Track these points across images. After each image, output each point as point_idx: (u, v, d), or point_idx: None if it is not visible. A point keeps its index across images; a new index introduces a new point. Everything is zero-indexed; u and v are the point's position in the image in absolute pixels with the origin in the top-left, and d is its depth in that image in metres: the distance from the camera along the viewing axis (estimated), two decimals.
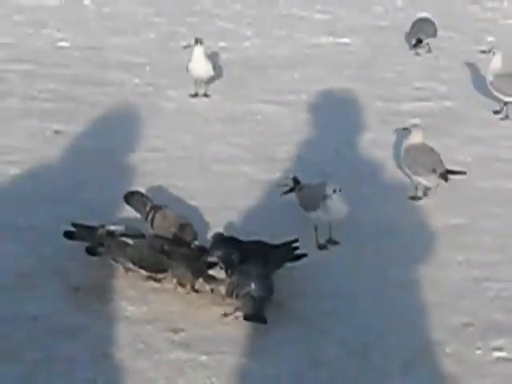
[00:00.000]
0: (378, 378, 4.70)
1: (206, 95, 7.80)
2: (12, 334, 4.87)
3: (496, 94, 7.59)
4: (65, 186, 6.17)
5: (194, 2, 9.87)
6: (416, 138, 6.61)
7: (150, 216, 5.60)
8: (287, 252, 5.56)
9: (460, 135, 7.36)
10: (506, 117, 7.75)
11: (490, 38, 9.45)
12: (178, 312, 5.14)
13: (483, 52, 8.30)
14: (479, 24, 9.93)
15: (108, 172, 6.27)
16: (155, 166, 6.52)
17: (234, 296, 5.14)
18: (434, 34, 9.07)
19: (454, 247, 5.87)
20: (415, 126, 6.85)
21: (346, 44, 9.02)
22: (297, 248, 5.59)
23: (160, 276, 5.36)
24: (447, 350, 4.87)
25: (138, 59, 8.42)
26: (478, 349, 4.91)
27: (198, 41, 7.66)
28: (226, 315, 5.16)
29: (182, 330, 4.98)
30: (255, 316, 5.05)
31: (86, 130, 7.07)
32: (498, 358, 4.84)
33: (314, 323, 5.12)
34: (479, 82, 8.26)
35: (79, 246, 5.42)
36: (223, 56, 8.45)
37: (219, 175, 6.44)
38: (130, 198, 5.74)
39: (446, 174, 6.38)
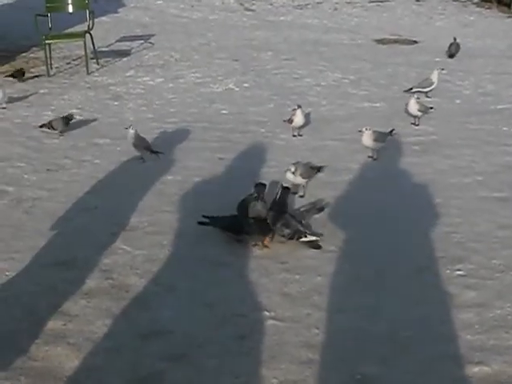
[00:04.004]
0: None
1: (300, 135, 7.97)
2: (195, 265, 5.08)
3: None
4: (224, 187, 6.35)
5: (296, 87, 9.98)
6: (365, 137, 6.90)
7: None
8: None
9: (440, 154, 7.43)
10: None
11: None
12: (285, 252, 5.23)
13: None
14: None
15: (248, 180, 6.20)
16: (271, 175, 6.59)
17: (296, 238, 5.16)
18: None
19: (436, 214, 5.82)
20: (367, 129, 6.96)
21: (377, 107, 9.12)
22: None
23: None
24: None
25: (263, 119, 8.60)
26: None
27: (299, 106, 7.78)
28: (255, 245, 5.19)
29: (287, 262, 5.10)
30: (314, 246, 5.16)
31: (237, 157, 7.26)
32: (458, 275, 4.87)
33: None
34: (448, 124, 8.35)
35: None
36: (311, 115, 8.52)
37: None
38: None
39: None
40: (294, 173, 6.08)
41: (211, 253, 5.27)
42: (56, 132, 7.92)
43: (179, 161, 7.20)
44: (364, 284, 4.85)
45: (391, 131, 7.34)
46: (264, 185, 5.71)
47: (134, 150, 7.27)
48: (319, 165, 6.56)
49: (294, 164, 6.14)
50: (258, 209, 5.34)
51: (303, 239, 5.26)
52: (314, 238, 5.29)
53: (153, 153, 7.22)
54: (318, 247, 5.27)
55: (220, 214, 5.54)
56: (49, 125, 7.92)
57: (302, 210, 5.64)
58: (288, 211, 5.51)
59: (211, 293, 4.76)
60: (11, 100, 9.25)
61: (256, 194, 5.46)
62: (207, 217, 5.44)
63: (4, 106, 8.98)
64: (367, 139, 7.07)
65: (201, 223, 5.42)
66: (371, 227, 5.69)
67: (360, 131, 7.11)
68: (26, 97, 9.60)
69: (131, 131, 7.08)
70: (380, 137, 7.15)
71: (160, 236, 5.53)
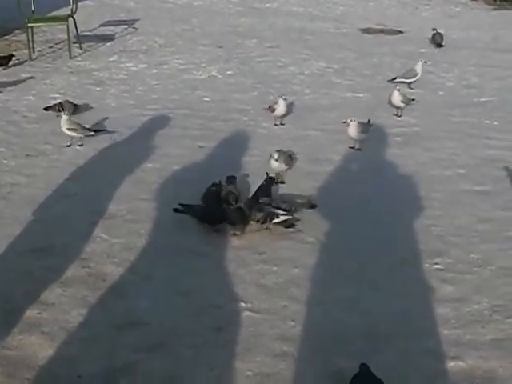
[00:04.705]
0: None
1: (282, 124, 7.92)
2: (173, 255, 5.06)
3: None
4: (204, 175, 6.20)
5: (279, 75, 9.92)
6: (352, 129, 6.90)
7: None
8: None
9: (422, 146, 7.40)
10: None
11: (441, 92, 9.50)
12: (263, 242, 5.22)
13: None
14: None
15: (229, 169, 6.29)
16: (252, 165, 6.63)
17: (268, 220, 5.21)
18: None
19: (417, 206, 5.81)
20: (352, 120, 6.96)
21: (361, 97, 9.06)
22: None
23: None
24: None
25: (246, 107, 8.53)
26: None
27: (281, 96, 7.74)
28: (234, 234, 5.20)
29: (264, 253, 5.07)
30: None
31: (218, 145, 7.22)
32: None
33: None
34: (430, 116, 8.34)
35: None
36: (294, 104, 8.50)
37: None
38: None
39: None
40: (277, 160, 6.05)
41: (189, 242, 5.24)
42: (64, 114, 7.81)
43: (159, 148, 7.15)
44: (344, 276, 4.83)
45: (369, 121, 7.31)
46: (235, 177, 5.92)
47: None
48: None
49: (277, 151, 6.13)
50: (229, 188, 5.58)
51: (275, 220, 5.28)
52: (286, 217, 5.31)
53: (96, 132, 7.23)
54: (292, 225, 5.32)
55: (197, 202, 5.55)
56: (59, 106, 7.84)
57: (291, 201, 5.60)
58: (272, 200, 5.55)
59: (188, 282, 4.74)
60: None
61: (222, 184, 5.74)
62: (183, 205, 5.42)
63: None
64: (353, 130, 7.04)
65: (176, 210, 5.40)
66: (353, 219, 5.67)
67: (344, 122, 7.07)
68: (8, 81, 9.44)
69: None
70: (365, 128, 7.12)
71: (138, 224, 5.50)
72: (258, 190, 5.63)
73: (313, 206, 5.62)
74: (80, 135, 7.09)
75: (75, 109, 7.92)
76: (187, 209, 5.40)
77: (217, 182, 5.75)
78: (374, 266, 4.96)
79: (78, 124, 7.13)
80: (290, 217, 5.32)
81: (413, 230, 5.49)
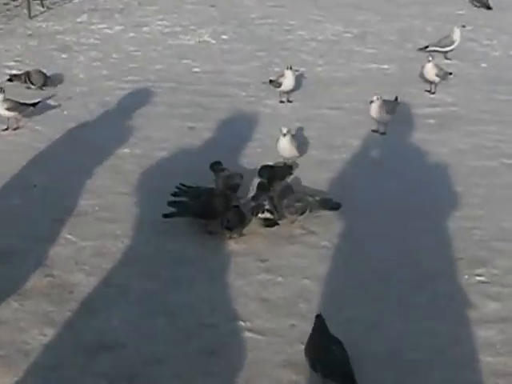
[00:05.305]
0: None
1: (289, 101, 7.89)
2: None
3: None
4: (195, 163, 6.23)
5: (286, 41, 9.90)
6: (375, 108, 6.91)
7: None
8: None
9: (460, 130, 7.35)
10: None
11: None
12: (265, 247, 5.21)
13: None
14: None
15: (225, 155, 6.27)
16: (253, 150, 6.66)
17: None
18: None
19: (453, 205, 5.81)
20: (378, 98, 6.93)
21: (386, 69, 9.02)
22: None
23: None
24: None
25: (245, 79, 8.51)
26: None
27: (289, 67, 7.74)
28: (231, 238, 5.24)
29: (267, 260, 5.05)
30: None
31: (210, 126, 7.17)
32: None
33: None
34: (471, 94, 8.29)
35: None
36: (304, 77, 8.49)
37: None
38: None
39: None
40: (285, 135, 6.17)
41: (175, 246, 5.23)
42: (34, 88, 7.81)
43: (139, 130, 7.15)
44: (364, 291, 4.81)
45: (396, 99, 7.29)
46: (219, 162, 6.00)
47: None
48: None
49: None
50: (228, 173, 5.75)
51: (260, 215, 5.40)
52: (268, 216, 5.41)
53: (33, 106, 7.22)
54: (273, 225, 5.41)
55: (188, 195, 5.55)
56: (25, 77, 7.82)
57: (307, 201, 5.58)
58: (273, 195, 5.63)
59: (174, 297, 4.71)
60: None
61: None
62: (174, 203, 5.40)
63: None
64: (377, 110, 7.03)
65: (167, 215, 5.35)
66: (375, 220, 5.65)
67: (372, 102, 7.01)
68: None
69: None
70: (391, 107, 7.10)
71: (113, 224, 5.48)
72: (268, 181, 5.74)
73: (335, 207, 5.61)
74: (20, 114, 7.07)
75: (46, 80, 7.89)
76: (181, 209, 5.39)
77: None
78: (399, 279, 4.94)
79: (16, 102, 7.08)
80: (272, 216, 5.42)
81: (448, 234, 5.48)
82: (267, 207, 5.37)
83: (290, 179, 5.96)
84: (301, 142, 6.63)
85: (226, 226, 5.28)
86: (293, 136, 6.29)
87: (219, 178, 5.72)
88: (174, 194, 5.48)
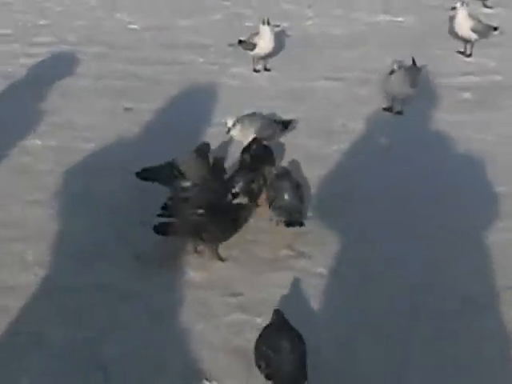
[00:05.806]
0: None
1: (266, 69, 7.98)
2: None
3: None
4: (134, 158, 6.25)
5: None
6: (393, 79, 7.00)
7: None
8: None
9: (506, 108, 7.39)
10: None
11: None
12: (239, 275, 5.21)
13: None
14: None
15: (174, 146, 6.30)
16: (215, 139, 6.60)
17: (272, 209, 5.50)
18: None
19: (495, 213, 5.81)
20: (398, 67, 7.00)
21: (400, 22, 9.07)
22: None
23: None
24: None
25: (204, 40, 8.57)
26: None
27: (266, 21, 7.82)
28: (198, 252, 5.39)
29: (241, 294, 5.06)
30: (292, 222, 5.44)
31: (155, 107, 7.22)
32: None
33: None
34: None
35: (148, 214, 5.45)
36: (287, 34, 8.61)
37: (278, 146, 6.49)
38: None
39: None
40: (231, 128, 6.32)
41: (108, 277, 5.23)
42: None
43: (55, 113, 7.21)
44: (373, 337, 4.81)
45: (413, 63, 7.33)
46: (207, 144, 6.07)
47: None
48: (287, 118, 6.58)
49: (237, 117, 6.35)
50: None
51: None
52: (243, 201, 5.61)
53: None
54: (294, 224, 5.54)
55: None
56: None
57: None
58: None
59: (106, 349, 4.70)
60: None
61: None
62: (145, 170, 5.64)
63: None
64: (399, 84, 7.11)
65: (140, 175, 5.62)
66: (387, 234, 5.71)
67: (392, 72, 7.05)
68: None
69: None
70: (413, 77, 7.19)
71: (18, 244, 5.51)
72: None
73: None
74: None
75: None
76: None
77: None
78: (416, 315, 4.95)
79: None
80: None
81: (487, 248, 5.54)
82: (237, 190, 5.50)
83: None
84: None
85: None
86: (243, 124, 6.37)
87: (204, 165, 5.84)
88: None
